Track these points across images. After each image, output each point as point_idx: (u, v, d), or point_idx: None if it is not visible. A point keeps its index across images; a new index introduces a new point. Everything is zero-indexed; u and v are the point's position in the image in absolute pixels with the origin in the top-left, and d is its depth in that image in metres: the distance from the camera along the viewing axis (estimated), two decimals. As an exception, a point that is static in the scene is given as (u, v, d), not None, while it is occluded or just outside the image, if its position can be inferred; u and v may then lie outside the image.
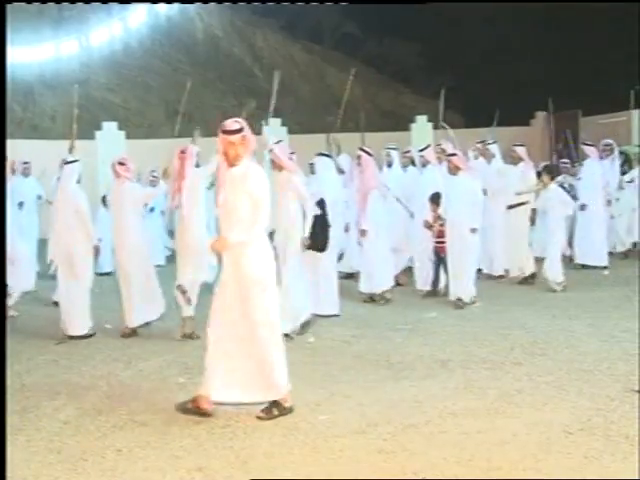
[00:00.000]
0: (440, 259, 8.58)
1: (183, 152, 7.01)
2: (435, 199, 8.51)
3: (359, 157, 8.39)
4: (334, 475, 3.91)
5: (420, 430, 4.45)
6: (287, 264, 6.76)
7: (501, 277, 9.54)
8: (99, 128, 17.66)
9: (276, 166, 6.90)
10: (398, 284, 8.92)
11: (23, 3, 21.14)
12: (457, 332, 6.92)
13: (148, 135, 20.15)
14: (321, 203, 7.54)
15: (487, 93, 23.74)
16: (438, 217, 8.45)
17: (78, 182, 7.24)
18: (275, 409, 4.74)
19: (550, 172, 8.95)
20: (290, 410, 4.76)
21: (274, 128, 18.53)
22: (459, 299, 8.01)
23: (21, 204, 10.13)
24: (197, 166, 7.06)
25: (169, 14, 22.71)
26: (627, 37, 22.66)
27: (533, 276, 9.15)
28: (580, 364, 5.68)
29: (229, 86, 23.83)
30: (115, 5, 18.39)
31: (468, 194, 7.94)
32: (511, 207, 9.10)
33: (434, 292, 8.69)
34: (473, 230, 7.96)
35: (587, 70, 24.23)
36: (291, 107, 23.99)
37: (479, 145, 10.13)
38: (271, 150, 6.90)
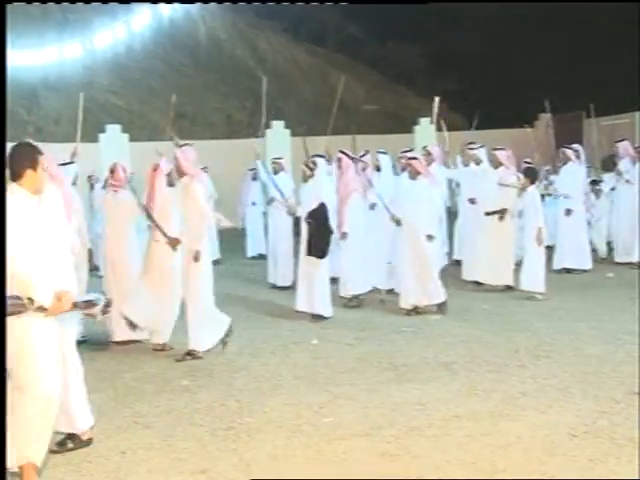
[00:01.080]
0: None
1: (155, 170, 6.59)
2: None
3: (339, 160, 8.41)
4: (338, 477, 3.91)
5: (424, 433, 4.45)
6: (189, 283, 6.34)
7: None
8: (103, 131, 17.69)
9: (179, 172, 6.45)
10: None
11: (27, 7, 21.21)
12: (461, 334, 6.91)
13: (151, 137, 20.17)
14: (322, 208, 7.48)
15: (490, 95, 23.75)
16: None
17: (74, 184, 7.01)
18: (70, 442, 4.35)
19: (530, 175, 8.63)
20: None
21: (277, 130, 18.61)
22: (415, 307, 7.76)
23: None
24: (170, 185, 6.57)
25: (172, 17, 22.76)
26: (631, 38, 22.63)
27: (510, 287, 8.84)
28: (585, 366, 5.67)
29: (232, 88, 23.85)
30: (119, 8, 18.44)
31: (425, 200, 7.72)
32: (489, 214, 8.85)
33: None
34: (429, 237, 7.71)
35: (591, 71, 24.22)
36: (294, 109, 24.01)
37: (471, 151, 9.73)
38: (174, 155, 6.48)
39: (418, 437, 4.38)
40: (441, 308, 7.80)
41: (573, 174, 10.10)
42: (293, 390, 5.37)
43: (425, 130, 19.48)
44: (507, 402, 4.94)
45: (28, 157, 3.86)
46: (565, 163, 9.79)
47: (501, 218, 8.80)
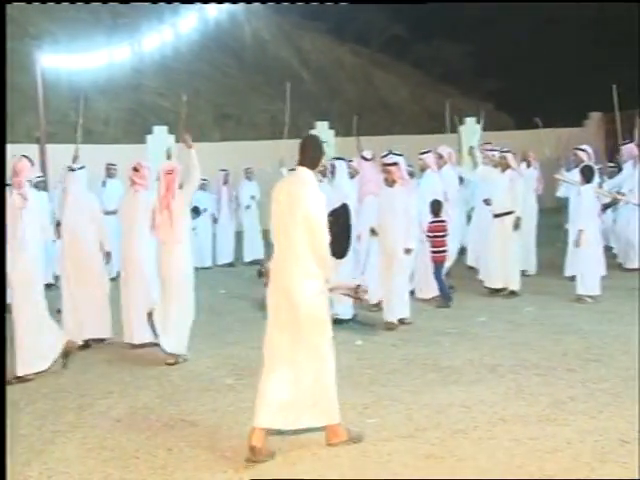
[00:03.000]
0: (438, 269, 8.28)
1: (170, 172, 6.30)
2: (435, 207, 8.27)
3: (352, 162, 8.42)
4: (382, 478, 3.89)
5: (469, 436, 4.40)
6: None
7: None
8: (150, 132, 18.00)
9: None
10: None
11: (78, 12, 21.71)
12: (507, 337, 6.81)
13: (197, 139, 20.43)
14: (344, 208, 7.34)
15: (538, 94, 23.36)
16: (439, 227, 8.21)
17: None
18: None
19: (586, 173, 8.32)
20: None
21: (322, 131, 18.65)
22: (390, 322, 7.35)
23: None
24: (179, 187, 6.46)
25: (218, 19, 22.97)
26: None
27: (514, 293, 8.59)
28: (636, 371, 5.51)
29: (276, 90, 23.97)
30: (166, 11, 18.76)
31: (401, 209, 7.27)
32: (497, 216, 8.61)
33: (446, 303, 8.27)
34: (407, 251, 7.27)
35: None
36: (338, 110, 24.02)
37: (494, 153, 9.38)
38: None
39: (463, 440, 4.34)
40: (404, 322, 7.38)
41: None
42: (337, 390, 5.35)
43: (470, 130, 19.30)
44: (555, 406, 4.84)
45: None
46: (577, 165, 9.37)
47: (516, 227, 8.55)
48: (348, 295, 4.74)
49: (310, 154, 4.37)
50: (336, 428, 4.32)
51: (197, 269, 11.87)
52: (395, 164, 7.44)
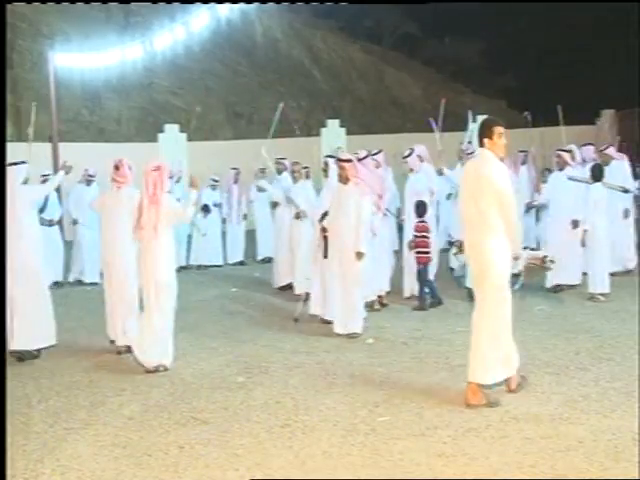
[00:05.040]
0: (421, 270, 8.18)
1: (156, 169, 6.02)
2: (419, 209, 8.17)
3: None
4: (393, 477, 3.88)
5: (481, 434, 4.38)
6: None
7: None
8: (162, 130, 18.06)
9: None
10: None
11: (91, 11, 21.80)
12: (519, 335, 6.69)
13: (209, 137, 20.49)
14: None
15: (550, 92, 23.21)
16: (423, 227, 8.12)
17: (25, 183, 6.80)
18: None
19: (596, 171, 8.24)
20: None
21: (332, 129, 18.65)
22: (353, 334, 6.94)
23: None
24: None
25: (229, 17, 22.99)
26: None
27: None
28: (649, 370, 5.48)
29: (288, 88, 23.99)
30: (178, 10, 18.80)
31: (353, 210, 6.88)
32: None
33: (421, 307, 8.12)
34: (359, 255, 6.82)
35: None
36: (350, 108, 24.00)
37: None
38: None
39: (475, 438, 4.32)
40: (351, 336, 6.92)
41: (621, 171, 9.72)
42: (348, 389, 5.37)
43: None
44: (568, 405, 4.82)
45: None
46: (562, 169, 9.20)
47: None
48: (535, 265, 5.08)
49: (483, 135, 4.86)
50: (476, 389, 4.84)
51: (207, 267, 12.07)
52: (349, 161, 7.13)
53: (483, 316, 4.87)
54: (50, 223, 10.54)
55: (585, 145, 10.60)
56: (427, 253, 8.19)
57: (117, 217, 6.59)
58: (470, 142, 9.46)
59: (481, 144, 4.89)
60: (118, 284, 6.65)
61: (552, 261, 5.06)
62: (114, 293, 6.69)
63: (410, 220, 8.49)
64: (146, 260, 6.01)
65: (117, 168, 6.72)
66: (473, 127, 17.09)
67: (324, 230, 7.21)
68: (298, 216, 8.76)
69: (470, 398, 4.83)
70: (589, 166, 8.72)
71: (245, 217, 12.57)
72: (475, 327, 4.90)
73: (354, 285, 6.94)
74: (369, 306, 8.05)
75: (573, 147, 9.67)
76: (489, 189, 4.71)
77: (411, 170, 8.83)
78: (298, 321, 7.57)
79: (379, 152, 8.96)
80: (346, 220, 6.90)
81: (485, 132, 4.89)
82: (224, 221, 12.57)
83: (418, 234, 8.17)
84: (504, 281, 4.82)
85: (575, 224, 8.40)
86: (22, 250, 6.50)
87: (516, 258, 4.86)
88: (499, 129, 4.87)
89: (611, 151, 9.80)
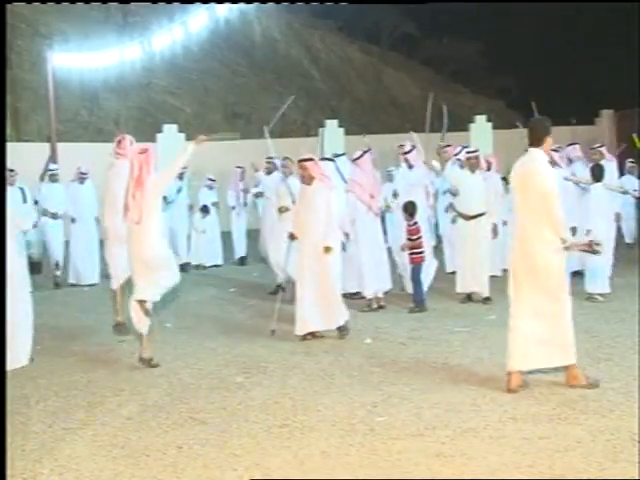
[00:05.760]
0: (416, 270, 8.14)
1: (142, 152, 6.03)
2: (408, 209, 8.11)
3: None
4: (391, 477, 3.88)
5: (479, 434, 4.38)
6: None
7: None
8: (160, 130, 18.06)
9: None
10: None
11: (90, 11, 21.79)
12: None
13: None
14: None
15: (549, 92, 23.25)
16: (415, 230, 8.10)
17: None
18: None
19: (596, 172, 8.21)
20: None
21: (331, 129, 18.64)
22: (310, 334, 6.86)
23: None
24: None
25: (228, 17, 23.00)
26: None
27: (488, 299, 8.24)
28: (648, 370, 5.49)
29: (286, 88, 23.99)
30: (176, 10, 18.80)
31: (321, 206, 6.79)
32: (471, 218, 8.26)
33: (419, 308, 8.04)
34: (327, 249, 6.73)
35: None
36: (348, 108, 24.00)
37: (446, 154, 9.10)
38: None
39: (473, 439, 4.32)
40: (341, 332, 6.90)
41: (609, 172, 9.64)
42: (346, 389, 5.37)
43: (481, 128, 19.23)
44: (566, 405, 4.82)
45: None
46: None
47: (494, 233, 8.36)
48: (584, 250, 5.43)
49: (537, 135, 5.15)
50: (576, 371, 5.13)
51: (206, 267, 12.07)
52: (310, 160, 6.98)
53: (562, 308, 5.15)
54: (54, 216, 10.58)
55: (570, 145, 10.62)
56: (421, 253, 8.20)
57: (119, 184, 6.49)
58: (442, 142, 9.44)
59: (533, 144, 5.14)
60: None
61: (598, 244, 5.29)
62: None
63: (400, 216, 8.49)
64: (132, 242, 5.99)
65: (119, 142, 7.03)
66: (473, 127, 17.03)
67: (292, 236, 7.05)
68: (281, 211, 8.80)
69: (571, 380, 5.15)
70: (590, 167, 8.69)
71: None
72: (545, 313, 5.12)
73: (328, 280, 6.83)
74: (367, 306, 8.08)
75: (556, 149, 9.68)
76: (534, 186, 5.02)
77: (410, 166, 8.84)
78: (275, 332, 7.13)
79: (368, 151, 8.98)
80: (315, 218, 6.80)
81: (541, 134, 5.16)
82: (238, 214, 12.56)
83: (412, 237, 8.13)
84: (563, 271, 5.16)
85: (573, 231, 8.26)
86: None
87: (567, 248, 5.13)
88: (550, 138, 5.21)
89: (604, 150, 9.80)
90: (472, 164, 8.37)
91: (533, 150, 5.16)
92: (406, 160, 8.98)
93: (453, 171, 8.79)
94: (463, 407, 4.85)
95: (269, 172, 10.27)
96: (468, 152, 8.61)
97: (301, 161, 7.00)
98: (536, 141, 5.15)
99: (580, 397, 4.97)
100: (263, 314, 8.26)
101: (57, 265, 10.59)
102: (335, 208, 6.96)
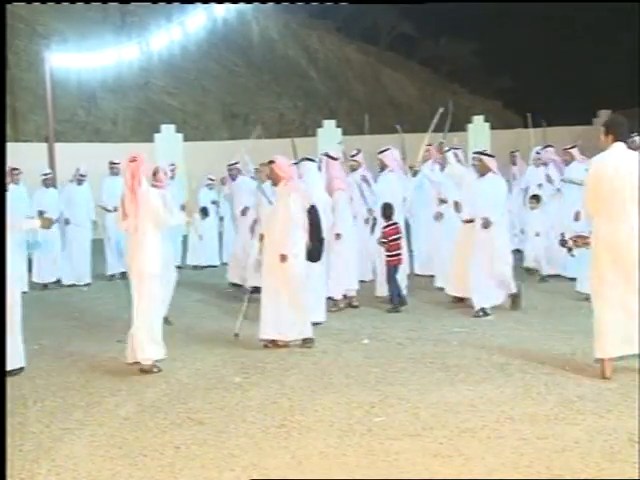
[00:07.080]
0: (391, 273, 8.10)
1: (133, 160, 6.02)
2: (386, 211, 8.09)
3: (321, 161, 8.18)
4: (389, 477, 3.88)
5: (477, 435, 4.38)
6: None
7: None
8: (158, 131, 18.05)
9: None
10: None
11: (88, 11, 21.77)
12: (516, 336, 6.79)
13: (205, 137, 20.50)
14: (312, 210, 6.78)
15: (547, 92, 23.28)
16: (393, 231, 8.07)
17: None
18: None
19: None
20: None
21: (328, 129, 18.65)
22: (271, 342, 6.65)
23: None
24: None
25: (226, 17, 22.98)
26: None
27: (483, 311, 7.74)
28: (645, 371, 5.49)
29: (284, 88, 24.01)
30: (174, 10, 18.79)
31: (286, 210, 6.52)
32: (467, 222, 7.99)
33: (396, 307, 8.05)
34: (282, 258, 6.45)
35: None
36: (346, 108, 24.01)
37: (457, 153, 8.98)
38: None
39: (471, 439, 4.32)
40: (306, 343, 6.63)
41: (578, 174, 9.56)
42: (344, 389, 5.37)
43: (478, 128, 19.23)
44: (563, 405, 4.82)
45: None
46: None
47: (485, 226, 7.68)
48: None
49: (620, 130, 5.30)
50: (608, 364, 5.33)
51: (203, 267, 12.06)
52: (273, 162, 6.76)
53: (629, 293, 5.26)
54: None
55: (545, 147, 10.67)
56: (398, 255, 8.17)
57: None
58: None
59: (620, 139, 5.28)
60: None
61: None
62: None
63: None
64: (129, 249, 6.05)
65: (155, 174, 7.07)
66: (471, 127, 17.06)
67: (262, 237, 6.87)
68: (244, 213, 8.92)
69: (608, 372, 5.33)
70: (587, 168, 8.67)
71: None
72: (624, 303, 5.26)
73: (294, 291, 6.55)
74: (334, 305, 8.04)
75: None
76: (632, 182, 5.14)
77: (384, 167, 8.75)
78: (238, 336, 7.00)
79: (358, 153, 8.99)
80: (279, 221, 6.56)
81: (621, 131, 5.32)
82: (222, 219, 12.56)
83: (389, 238, 8.08)
84: None
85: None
86: None
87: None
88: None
89: (574, 152, 9.83)
90: (477, 167, 7.98)
91: (620, 145, 5.26)
92: (380, 161, 8.89)
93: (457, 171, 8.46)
94: (461, 407, 4.85)
95: (233, 178, 10.34)
96: (473, 153, 8.38)
97: (269, 162, 6.86)
98: (621, 136, 5.29)
99: (578, 397, 4.97)
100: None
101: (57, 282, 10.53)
102: (296, 211, 6.54)
